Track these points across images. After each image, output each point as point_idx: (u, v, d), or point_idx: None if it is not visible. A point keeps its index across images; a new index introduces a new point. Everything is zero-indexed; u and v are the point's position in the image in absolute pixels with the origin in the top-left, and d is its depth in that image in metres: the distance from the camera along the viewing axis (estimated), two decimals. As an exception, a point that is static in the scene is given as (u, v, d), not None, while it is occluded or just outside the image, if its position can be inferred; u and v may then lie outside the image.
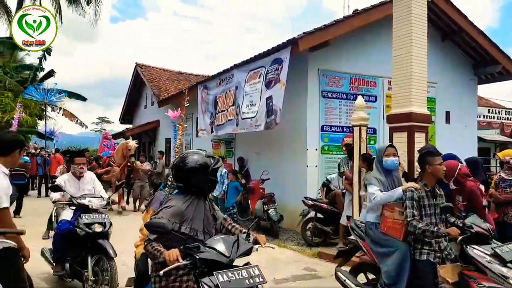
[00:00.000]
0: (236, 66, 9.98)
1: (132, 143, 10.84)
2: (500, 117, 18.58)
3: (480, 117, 15.69)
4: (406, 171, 5.57)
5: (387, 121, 6.13)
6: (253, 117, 8.72)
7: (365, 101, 6.89)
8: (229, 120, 10.01)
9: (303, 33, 7.93)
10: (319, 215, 7.49)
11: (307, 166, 8.52)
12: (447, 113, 10.57)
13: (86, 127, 23.43)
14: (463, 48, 10.63)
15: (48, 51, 21.02)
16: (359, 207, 6.51)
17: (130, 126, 22.62)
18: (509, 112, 19.17)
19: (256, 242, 2.67)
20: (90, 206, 4.56)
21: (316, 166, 8.59)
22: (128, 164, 11.42)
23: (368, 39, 9.13)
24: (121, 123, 23.94)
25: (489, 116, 18.22)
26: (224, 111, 10.36)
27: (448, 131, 10.20)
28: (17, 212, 9.86)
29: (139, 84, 20.57)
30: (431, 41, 6.25)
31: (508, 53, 10.48)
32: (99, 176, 10.96)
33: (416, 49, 5.75)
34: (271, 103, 8.18)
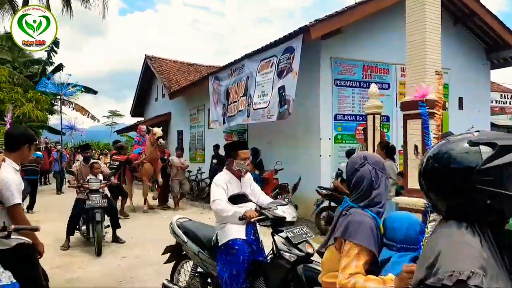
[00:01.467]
0: (247, 56, 9.97)
1: (156, 129, 10.10)
2: (513, 102, 18.35)
3: (492, 102, 15.50)
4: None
5: (401, 108, 6.10)
6: (265, 108, 8.73)
7: (378, 88, 6.86)
8: (240, 111, 10.03)
9: (315, 20, 7.88)
10: (333, 204, 7.53)
11: (320, 155, 8.53)
12: (460, 99, 10.47)
13: (98, 120, 23.64)
14: (476, 32, 10.49)
15: (55, 44, 21.13)
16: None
17: (142, 119, 22.75)
18: (523, 96, 18.91)
19: None
20: (287, 219, 3.23)
21: (329, 156, 8.61)
22: (163, 157, 10.48)
23: (381, 25, 9.05)
24: (132, 116, 24.08)
25: (502, 101, 17.99)
26: (235, 102, 10.38)
27: (461, 117, 10.11)
28: (30, 207, 9.94)
29: (149, 76, 20.62)
30: (443, 26, 6.16)
31: (521, 37, 10.34)
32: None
33: (430, 35, 5.69)
34: (283, 93, 8.18)
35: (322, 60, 8.56)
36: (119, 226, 6.90)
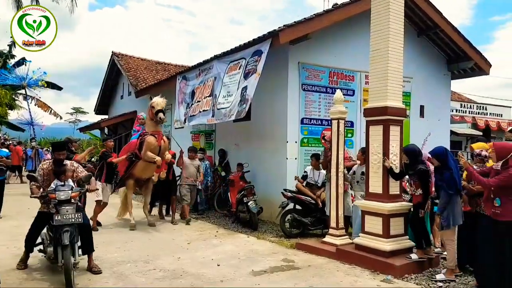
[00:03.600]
0: (216, 57, 9.95)
1: (156, 99, 8.17)
2: (472, 111, 19.23)
3: (453, 111, 16.16)
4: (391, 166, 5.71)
5: (364, 114, 6.27)
6: (227, 107, 8.73)
7: (343, 94, 7.01)
8: (204, 110, 9.93)
9: (284, 25, 7.97)
10: (298, 206, 7.62)
11: (287, 158, 8.62)
12: (422, 107, 10.85)
13: (61, 118, 22.83)
14: (438, 44, 10.91)
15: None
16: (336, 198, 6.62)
17: (106, 116, 22.24)
18: (480, 106, 19.86)
19: None
20: None
21: (295, 159, 8.71)
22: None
23: (347, 33, 9.26)
24: (96, 113, 23.48)
25: (461, 110, 18.84)
26: (199, 101, 10.31)
27: (422, 125, 10.48)
28: None
29: (115, 73, 20.19)
30: (407, 37, 6.41)
31: (480, 50, 10.86)
32: (112, 168, 8.20)
33: (393, 44, 5.89)
34: (244, 93, 8.24)
35: (290, 65, 8.66)
36: (93, 249, 5.22)
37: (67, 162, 5.31)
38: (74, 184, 5.12)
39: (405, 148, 5.74)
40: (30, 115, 15.45)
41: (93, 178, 5.59)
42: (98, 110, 22.89)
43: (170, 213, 9.34)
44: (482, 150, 5.46)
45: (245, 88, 8.28)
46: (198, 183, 9.26)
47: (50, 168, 5.16)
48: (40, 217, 5.17)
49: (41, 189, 5.04)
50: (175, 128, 12.56)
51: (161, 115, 7.83)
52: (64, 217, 4.70)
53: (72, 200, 4.89)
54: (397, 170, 5.74)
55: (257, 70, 8.04)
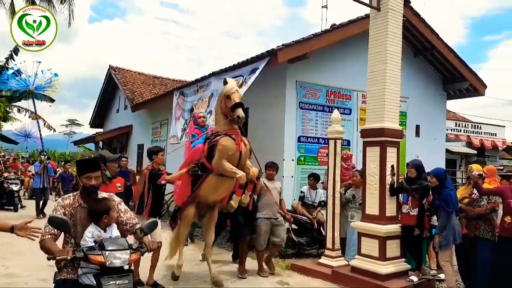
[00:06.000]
0: (214, 74, 9.96)
1: (231, 84, 5.59)
2: (467, 130, 19.36)
3: (447, 130, 16.23)
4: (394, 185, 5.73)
5: (361, 135, 6.27)
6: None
7: (340, 113, 7.02)
8: None
9: (282, 45, 8.03)
10: (293, 226, 7.54)
11: (283, 176, 8.56)
12: (417, 127, 10.89)
13: (54, 130, 22.47)
14: (434, 64, 11.01)
15: (15, 50, 20.23)
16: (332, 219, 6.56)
17: (101, 130, 22.15)
18: (475, 125, 20.00)
19: None
20: None
21: (292, 177, 8.67)
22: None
23: (344, 53, 9.33)
24: (92, 127, 23.34)
25: (456, 129, 18.95)
26: (196, 118, 10.28)
27: (418, 144, 10.50)
28: None
29: (112, 87, 20.16)
30: (404, 57, 6.45)
31: (475, 68, 10.97)
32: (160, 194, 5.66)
33: (391, 67, 5.93)
34: None
35: (288, 83, 8.68)
36: None
37: (103, 193, 3.12)
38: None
39: (413, 162, 5.81)
40: (39, 127, 14.02)
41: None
42: (94, 123, 22.79)
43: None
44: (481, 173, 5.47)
45: None
46: (279, 217, 6.39)
47: (76, 206, 2.94)
48: None
49: (65, 243, 2.88)
50: (171, 144, 12.47)
51: (240, 112, 5.15)
52: None
53: (126, 266, 2.79)
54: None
55: (247, 82, 8.05)
